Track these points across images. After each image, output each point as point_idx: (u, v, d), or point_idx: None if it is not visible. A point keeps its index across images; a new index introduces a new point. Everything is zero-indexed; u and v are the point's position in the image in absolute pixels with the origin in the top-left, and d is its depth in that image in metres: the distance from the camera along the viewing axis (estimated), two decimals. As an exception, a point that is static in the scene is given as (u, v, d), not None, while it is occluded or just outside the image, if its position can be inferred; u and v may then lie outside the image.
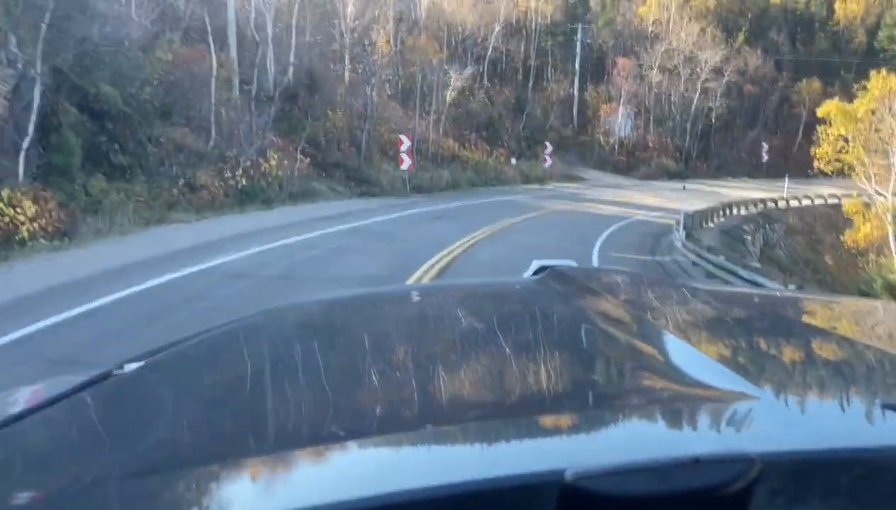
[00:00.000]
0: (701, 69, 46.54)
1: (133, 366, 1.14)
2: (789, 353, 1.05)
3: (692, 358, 0.93)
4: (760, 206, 30.73)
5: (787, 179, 34.32)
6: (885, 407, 0.75)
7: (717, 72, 47.00)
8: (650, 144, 46.63)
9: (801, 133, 51.77)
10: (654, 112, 47.42)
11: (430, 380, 0.97)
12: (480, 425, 0.78)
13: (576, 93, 47.52)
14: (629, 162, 45.19)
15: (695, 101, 46.99)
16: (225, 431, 0.86)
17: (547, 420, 0.80)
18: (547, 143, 37.14)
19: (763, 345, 1.09)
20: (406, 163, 26.95)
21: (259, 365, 1.13)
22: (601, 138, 46.05)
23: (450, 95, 34.82)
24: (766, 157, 48.59)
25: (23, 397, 1.06)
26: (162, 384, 1.11)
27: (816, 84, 52.70)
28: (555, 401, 0.87)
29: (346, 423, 0.82)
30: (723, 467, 0.59)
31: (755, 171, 48.52)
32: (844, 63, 53.61)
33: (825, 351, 1.07)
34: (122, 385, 1.09)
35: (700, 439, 0.72)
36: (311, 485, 0.67)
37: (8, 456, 0.86)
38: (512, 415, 0.82)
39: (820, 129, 30.15)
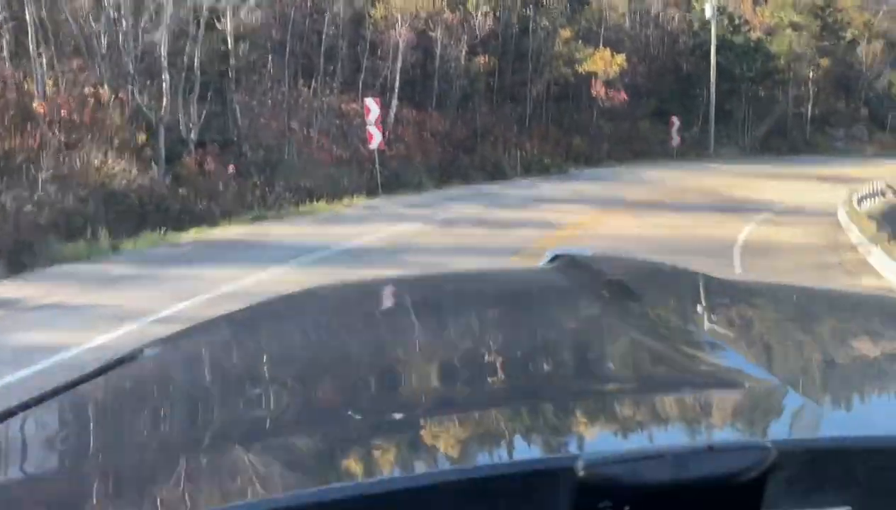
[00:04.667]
0: None
1: (157, 348, 1.14)
2: (805, 344, 1.04)
3: (708, 347, 0.92)
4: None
5: None
6: None
7: None
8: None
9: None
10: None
11: (445, 368, 0.96)
12: (496, 412, 0.78)
13: None
14: None
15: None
16: (240, 415, 0.86)
17: (562, 408, 0.80)
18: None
19: (779, 335, 1.08)
20: None
21: (269, 351, 1.12)
22: None
23: None
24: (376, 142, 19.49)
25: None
26: (183, 367, 1.12)
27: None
28: (570, 388, 0.87)
29: (364, 409, 0.82)
30: (737, 455, 0.59)
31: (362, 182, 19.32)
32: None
33: (841, 343, 1.07)
34: (146, 367, 1.09)
35: (715, 427, 0.73)
36: (331, 468, 0.68)
37: (34, 436, 0.89)
38: (527, 402, 0.82)
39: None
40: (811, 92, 37.74)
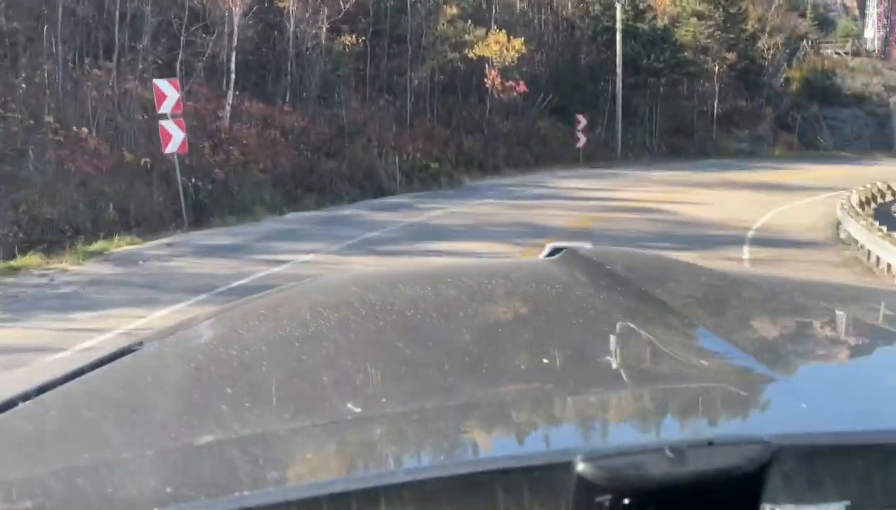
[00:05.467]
0: None
1: (153, 342, 1.14)
2: (806, 337, 1.05)
3: (708, 341, 0.93)
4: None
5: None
6: None
7: None
8: None
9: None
10: None
11: (442, 361, 0.96)
12: (493, 407, 0.78)
13: None
14: None
15: None
16: (239, 407, 0.86)
17: (560, 402, 0.80)
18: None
19: (780, 329, 1.08)
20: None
21: (266, 345, 1.12)
22: None
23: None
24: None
25: (42, 371, 1.03)
26: (178, 361, 1.12)
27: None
28: (568, 383, 0.87)
29: (361, 401, 0.82)
30: (737, 450, 0.59)
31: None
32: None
33: (842, 335, 1.07)
34: (141, 361, 1.09)
35: (715, 422, 0.74)
36: (322, 466, 0.68)
37: (27, 432, 0.87)
38: (525, 396, 0.82)
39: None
40: (717, 88, 34.23)
